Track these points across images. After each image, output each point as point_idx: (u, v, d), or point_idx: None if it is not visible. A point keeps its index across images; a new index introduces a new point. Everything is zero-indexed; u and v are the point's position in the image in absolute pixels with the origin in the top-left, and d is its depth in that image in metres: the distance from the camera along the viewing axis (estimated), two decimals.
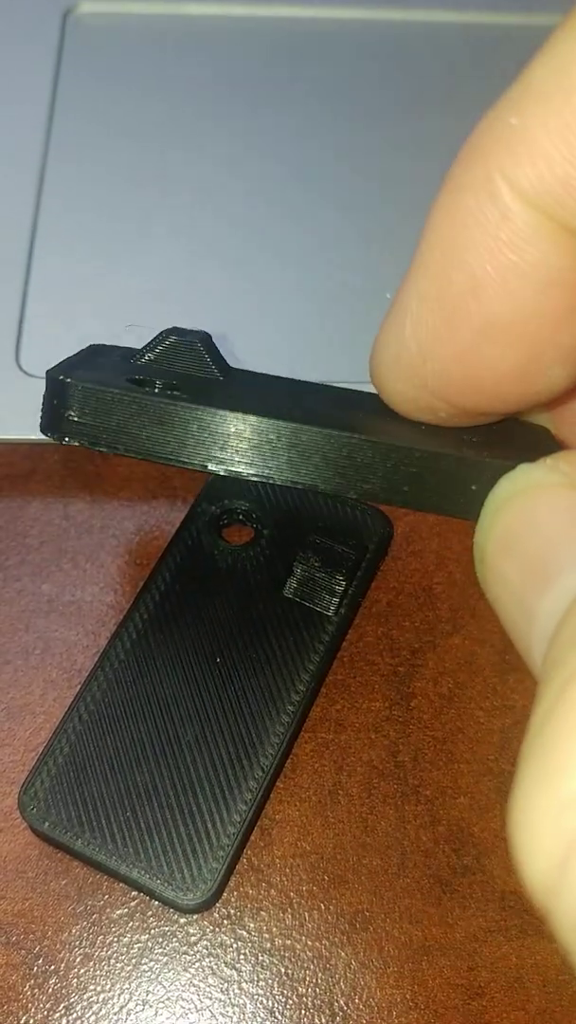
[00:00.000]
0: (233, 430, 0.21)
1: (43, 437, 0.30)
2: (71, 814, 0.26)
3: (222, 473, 0.21)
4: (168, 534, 0.30)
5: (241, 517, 0.30)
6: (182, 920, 0.26)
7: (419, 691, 0.29)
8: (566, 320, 0.17)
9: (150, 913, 0.26)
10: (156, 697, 0.27)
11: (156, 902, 0.26)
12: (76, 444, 0.22)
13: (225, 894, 0.26)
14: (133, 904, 0.26)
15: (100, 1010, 0.25)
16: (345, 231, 0.34)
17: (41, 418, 0.23)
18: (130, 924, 0.26)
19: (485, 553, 0.17)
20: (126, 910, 0.26)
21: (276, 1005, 0.25)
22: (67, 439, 0.22)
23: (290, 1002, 0.25)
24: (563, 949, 0.13)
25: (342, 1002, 0.25)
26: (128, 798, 0.26)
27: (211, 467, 0.21)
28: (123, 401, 0.21)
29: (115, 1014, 0.25)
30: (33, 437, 0.31)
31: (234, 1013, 0.25)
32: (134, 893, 0.26)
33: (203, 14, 0.37)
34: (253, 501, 0.30)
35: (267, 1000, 0.25)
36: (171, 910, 0.26)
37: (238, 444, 0.21)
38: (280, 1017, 0.25)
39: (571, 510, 0.16)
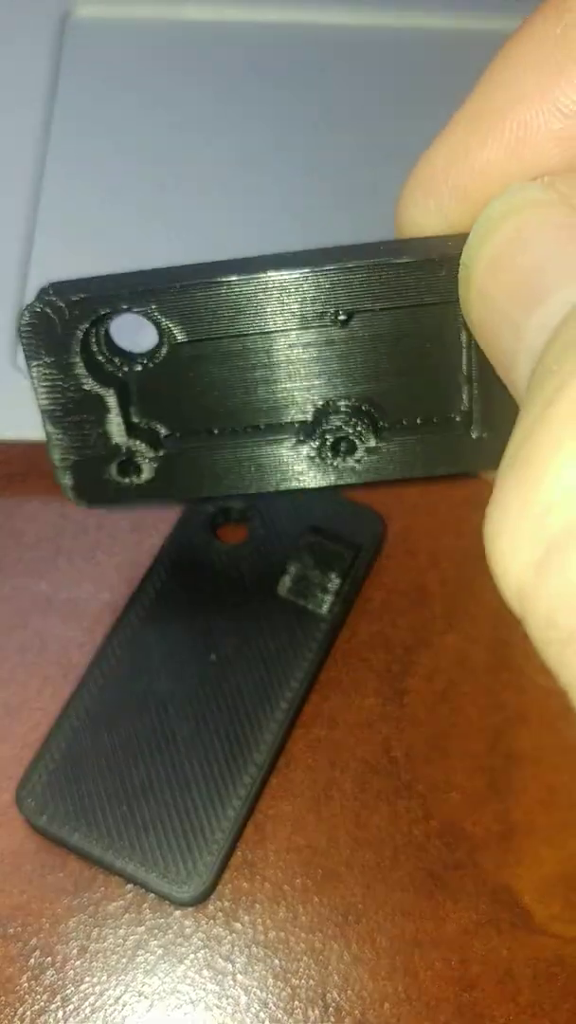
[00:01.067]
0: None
1: (40, 436, 0.31)
2: (68, 809, 0.26)
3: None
4: (163, 533, 0.30)
5: (235, 516, 0.31)
6: (177, 913, 0.26)
7: (412, 688, 0.29)
8: None
9: (145, 906, 0.26)
10: (151, 694, 0.28)
11: (151, 895, 0.26)
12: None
13: (219, 888, 0.26)
14: (129, 897, 0.26)
15: (96, 1002, 0.25)
16: (342, 229, 0.34)
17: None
18: (126, 917, 0.26)
19: (472, 273, 0.16)
20: (122, 903, 0.26)
21: (270, 997, 0.25)
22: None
23: (284, 994, 0.25)
24: (537, 650, 0.13)
25: (335, 994, 0.25)
26: (124, 793, 0.26)
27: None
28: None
29: (111, 1006, 0.25)
30: (30, 437, 0.31)
31: (228, 1005, 0.25)
32: (130, 887, 0.26)
33: (201, 19, 0.37)
34: (247, 500, 0.30)
35: (261, 992, 0.25)
36: (166, 903, 0.26)
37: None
38: (274, 1009, 0.25)
39: (565, 227, 0.15)
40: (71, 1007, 0.25)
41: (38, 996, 0.25)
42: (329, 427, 0.21)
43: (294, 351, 0.20)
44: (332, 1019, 0.25)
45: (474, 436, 0.21)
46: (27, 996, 0.25)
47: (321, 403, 0.21)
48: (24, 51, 0.36)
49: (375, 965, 0.26)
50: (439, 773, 0.28)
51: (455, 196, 0.18)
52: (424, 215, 0.19)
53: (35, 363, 0.21)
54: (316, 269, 0.19)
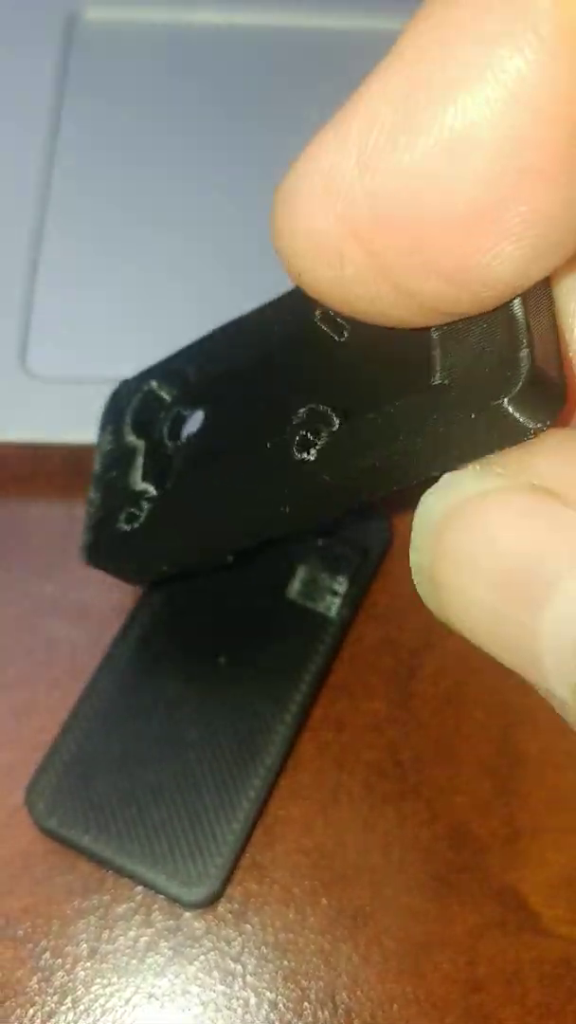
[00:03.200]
0: None
1: (48, 438, 0.31)
2: (77, 811, 0.26)
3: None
4: None
5: None
6: (187, 915, 0.26)
7: (419, 691, 0.29)
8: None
9: (155, 908, 0.26)
10: (160, 696, 0.28)
11: (161, 897, 0.26)
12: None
13: (229, 890, 0.26)
14: (138, 899, 0.26)
15: (106, 1003, 0.25)
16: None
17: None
18: (135, 919, 0.26)
19: (437, 576, 0.15)
20: (131, 905, 0.26)
21: (279, 998, 0.25)
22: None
23: (293, 995, 0.25)
24: None
25: (344, 995, 0.25)
26: (133, 796, 0.26)
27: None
28: None
29: (121, 1007, 0.25)
30: (37, 439, 0.31)
31: (238, 1006, 0.25)
32: (139, 888, 0.26)
33: (209, 23, 0.37)
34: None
35: (271, 993, 0.25)
36: (176, 905, 0.26)
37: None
38: (283, 1010, 0.25)
39: (532, 514, 0.14)
40: (81, 1008, 0.25)
41: (48, 998, 0.25)
42: (296, 424, 0.19)
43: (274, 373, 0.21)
44: (342, 1020, 0.25)
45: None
46: (37, 998, 0.25)
47: (297, 410, 0.19)
48: (31, 54, 0.36)
49: (383, 967, 0.26)
50: (445, 776, 0.28)
51: (381, 204, 0.14)
52: (328, 229, 0.15)
53: (101, 436, 0.25)
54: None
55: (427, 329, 0.17)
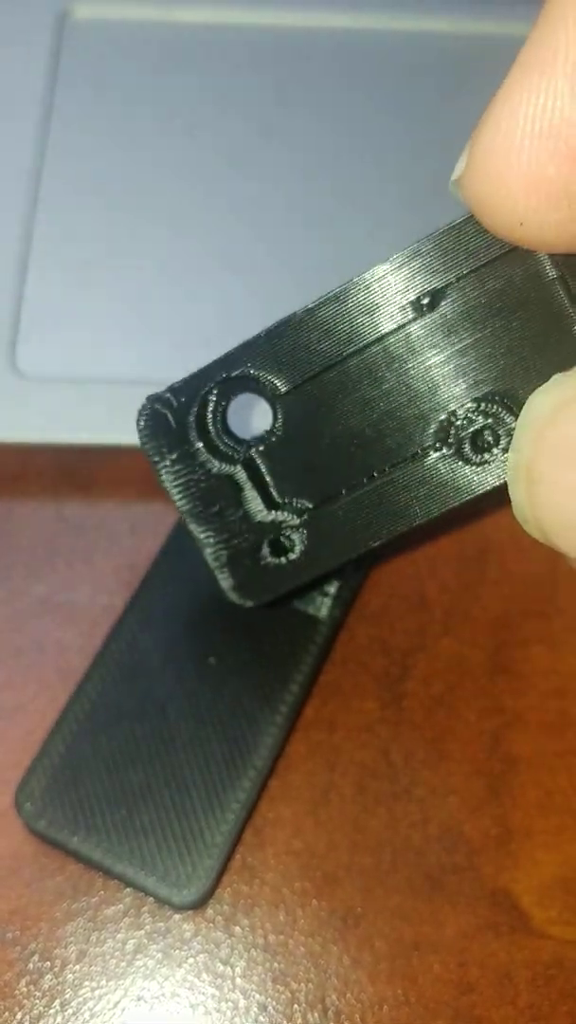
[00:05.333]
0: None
1: (37, 438, 0.31)
2: (66, 813, 0.26)
3: None
4: (162, 535, 0.30)
5: None
6: (176, 917, 0.26)
7: (410, 692, 0.29)
8: None
9: (144, 910, 0.26)
10: (150, 697, 0.28)
11: (151, 899, 0.26)
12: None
13: (219, 892, 0.26)
14: (128, 901, 0.26)
15: (95, 1007, 0.25)
16: (345, 229, 0.34)
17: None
18: (125, 921, 0.26)
19: (534, 470, 0.16)
20: (121, 907, 0.26)
21: (269, 1001, 0.25)
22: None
23: (283, 998, 0.25)
24: None
25: (334, 998, 0.25)
26: (123, 797, 0.26)
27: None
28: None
29: (110, 1010, 0.25)
30: (27, 438, 0.31)
31: (228, 1009, 0.25)
32: (129, 890, 0.26)
33: (199, 21, 0.37)
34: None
35: (260, 996, 0.25)
36: (165, 907, 0.26)
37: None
38: (273, 1012, 0.25)
39: None
40: (70, 1011, 0.25)
41: (36, 1001, 0.25)
42: (460, 425, 0.20)
43: (398, 364, 0.20)
44: (332, 1022, 0.25)
45: None
46: (25, 1001, 0.25)
47: (447, 414, 0.20)
48: (21, 52, 0.36)
49: (374, 969, 0.26)
50: (437, 777, 0.28)
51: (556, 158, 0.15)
52: (546, 170, 0.15)
53: (162, 465, 0.22)
54: (385, 264, 0.19)
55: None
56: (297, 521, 0.22)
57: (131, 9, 0.37)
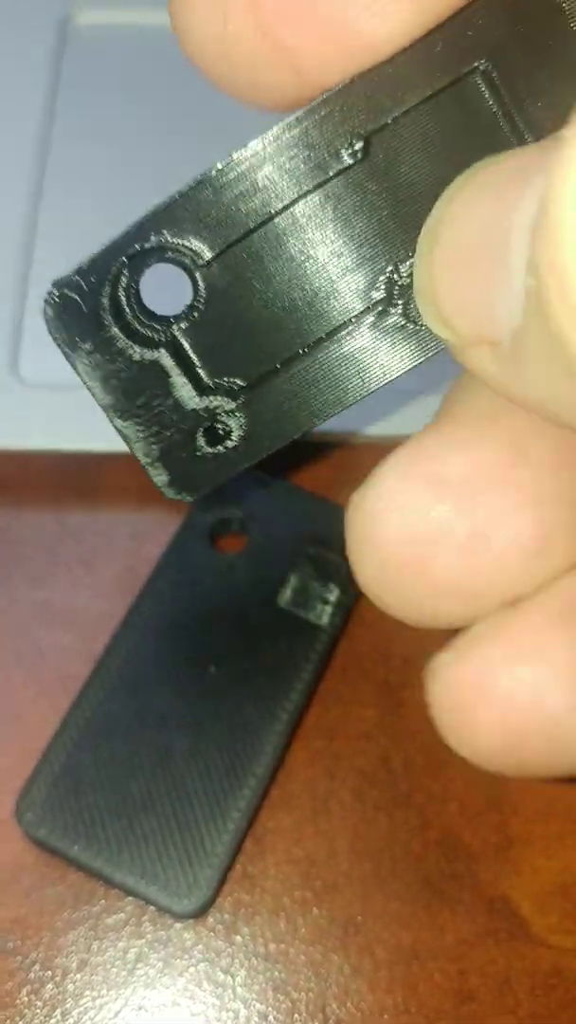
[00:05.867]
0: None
1: (39, 445, 0.31)
2: (67, 821, 0.26)
3: None
4: (162, 542, 0.30)
5: (235, 526, 0.31)
6: (177, 926, 0.26)
7: (410, 700, 0.29)
8: None
9: (145, 919, 0.26)
10: (151, 705, 0.28)
11: (151, 908, 0.26)
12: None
13: (219, 900, 0.26)
14: (128, 910, 0.26)
15: (96, 1016, 0.25)
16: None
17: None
18: (125, 930, 0.26)
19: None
20: (121, 916, 0.26)
21: (270, 1010, 0.25)
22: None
23: (283, 1007, 0.25)
24: None
25: (335, 1006, 0.25)
26: (123, 806, 0.26)
27: None
28: None
29: (111, 1020, 0.25)
30: (28, 446, 0.31)
31: (228, 1018, 0.25)
32: (129, 899, 0.26)
33: None
34: (246, 510, 0.30)
35: (261, 1005, 0.25)
36: (166, 916, 0.26)
37: None
38: (274, 1022, 0.25)
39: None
40: (71, 1021, 0.25)
41: (37, 1010, 0.25)
42: (405, 282, 0.18)
43: (332, 223, 0.18)
44: None
45: None
46: (26, 1010, 0.25)
47: (389, 269, 0.18)
48: (24, 58, 0.36)
49: (374, 977, 0.26)
50: (437, 784, 0.28)
51: None
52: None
53: (77, 357, 0.20)
54: (307, 108, 0.17)
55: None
56: (232, 405, 0.20)
57: (133, 15, 0.37)
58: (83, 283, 0.19)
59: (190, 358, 0.20)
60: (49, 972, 0.25)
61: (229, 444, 0.20)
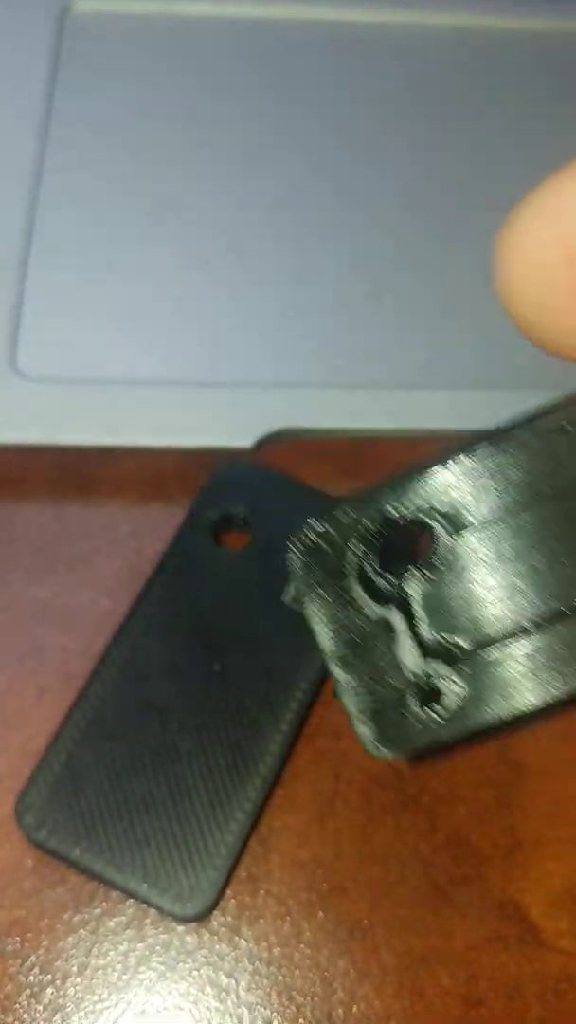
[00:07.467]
0: None
1: (38, 439, 0.30)
2: (68, 823, 0.26)
3: None
4: (165, 539, 0.30)
5: (238, 523, 0.30)
6: (180, 929, 0.25)
7: None
8: None
9: (147, 922, 0.25)
10: (153, 704, 0.27)
11: (153, 911, 0.25)
12: None
13: (223, 903, 0.26)
14: (130, 913, 0.26)
15: (97, 1020, 0.25)
16: (344, 228, 0.34)
17: None
18: (127, 933, 0.25)
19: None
20: (123, 919, 0.25)
21: (274, 1015, 0.25)
22: None
23: (288, 1012, 0.25)
24: None
25: (340, 1012, 0.25)
26: (125, 807, 0.26)
27: None
28: None
29: None
30: (27, 440, 0.30)
31: (232, 1023, 0.25)
32: (131, 902, 0.26)
33: (200, 14, 0.37)
34: (250, 506, 0.30)
35: (265, 1009, 0.25)
36: (168, 919, 0.25)
37: None
38: None
39: None
40: None
41: (37, 1015, 0.25)
42: None
43: None
44: None
45: None
46: (26, 1015, 0.25)
47: None
48: (22, 46, 0.36)
49: (381, 982, 0.25)
50: (445, 786, 0.27)
51: None
52: (542, 248, 0.16)
53: (310, 600, 0.20)
54: None
55: None
56: (451, 671, 0.19)
57: (132, 3, 0.37)
58: (337, 537, 0.19)
59: (416, 615, 0.19)
60: (49, 976, 0.25)
61: (441, 712, 0.19)
